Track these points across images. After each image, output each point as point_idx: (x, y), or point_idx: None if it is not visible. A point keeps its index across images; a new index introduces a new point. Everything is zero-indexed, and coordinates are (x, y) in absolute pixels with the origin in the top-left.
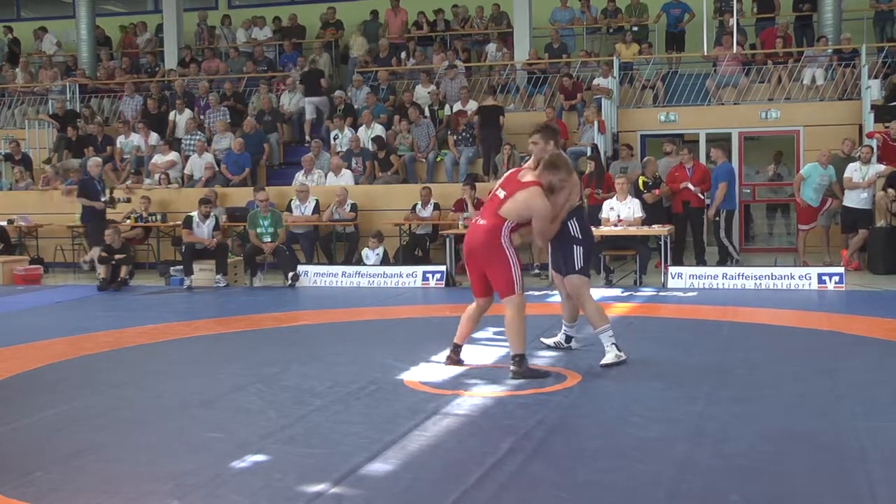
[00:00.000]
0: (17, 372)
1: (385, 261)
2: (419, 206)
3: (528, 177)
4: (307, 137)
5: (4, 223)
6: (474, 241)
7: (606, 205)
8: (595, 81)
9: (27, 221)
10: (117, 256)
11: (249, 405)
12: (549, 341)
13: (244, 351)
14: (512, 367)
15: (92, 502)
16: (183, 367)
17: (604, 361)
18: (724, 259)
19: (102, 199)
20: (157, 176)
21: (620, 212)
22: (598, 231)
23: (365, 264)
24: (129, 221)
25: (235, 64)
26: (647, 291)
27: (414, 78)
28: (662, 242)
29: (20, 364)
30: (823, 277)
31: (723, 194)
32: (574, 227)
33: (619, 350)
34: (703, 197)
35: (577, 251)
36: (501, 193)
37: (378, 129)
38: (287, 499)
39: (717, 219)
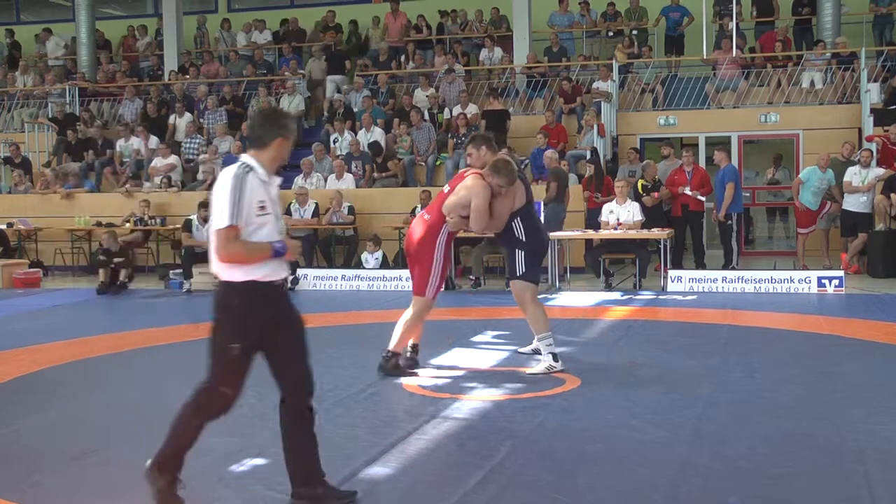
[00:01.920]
0: (17, 375)
1: (384, 264)
2: (418, 210)
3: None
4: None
5: (4, 227)
6: (412, 235)
7: (606, 208)
8: (594, 85)
9: (26, 225)
10: (116, 260)
11: (250, 409)
12: (526, 349)
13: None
14: (380, 362)
15: None
16: (183, 371)
17: (533, 371)
18: (729, 262)
19: None
20: (156, 179)
21: (620, 215)
22: (597, 234)
23: (364, 268)
24: (128, 225)
25: (235, 67)
26: (646, 295)
27: (413, 81)
28: (662, 246)
29: (20, 367)
30: (823, 281)
31: (731, 195)
32: (518, 229)
33: (556, 361)
34: (701, 200)
35: (520, 255)
36: (447, 189)
37: (377, 133)
38: (287, 501)
39: (729, 222)
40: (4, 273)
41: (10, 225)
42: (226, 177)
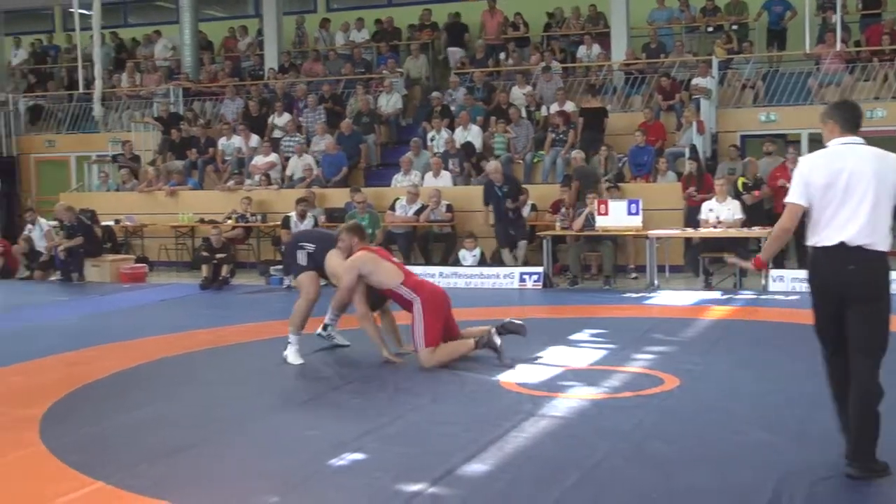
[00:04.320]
0: (122, 368)
1: (482, 262)
2: None
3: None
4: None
5: (111, 223)
6: None
7: (705, 206)
8: (693, 81)
9: (132, 221)
10: (218, 256)
11: (347, 404)
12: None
13: (342, 349)
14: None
15: (193, 497)
16: (282, 366)
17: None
18: None
19: None
20: (257, 177)
21: (720, 213)
22: (696, 233)
23: (462, 265)
24: (230, 221)
25: (334, 66)
26: (747, 294)
27: (510, 79)
28: (763, 245)
29: (126, 360)
30: None
31: None
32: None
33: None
34: None
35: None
36: None
37: (474, 131)
38: (385, 497)
39: None
40: (112, 268)
41: (117, 221)
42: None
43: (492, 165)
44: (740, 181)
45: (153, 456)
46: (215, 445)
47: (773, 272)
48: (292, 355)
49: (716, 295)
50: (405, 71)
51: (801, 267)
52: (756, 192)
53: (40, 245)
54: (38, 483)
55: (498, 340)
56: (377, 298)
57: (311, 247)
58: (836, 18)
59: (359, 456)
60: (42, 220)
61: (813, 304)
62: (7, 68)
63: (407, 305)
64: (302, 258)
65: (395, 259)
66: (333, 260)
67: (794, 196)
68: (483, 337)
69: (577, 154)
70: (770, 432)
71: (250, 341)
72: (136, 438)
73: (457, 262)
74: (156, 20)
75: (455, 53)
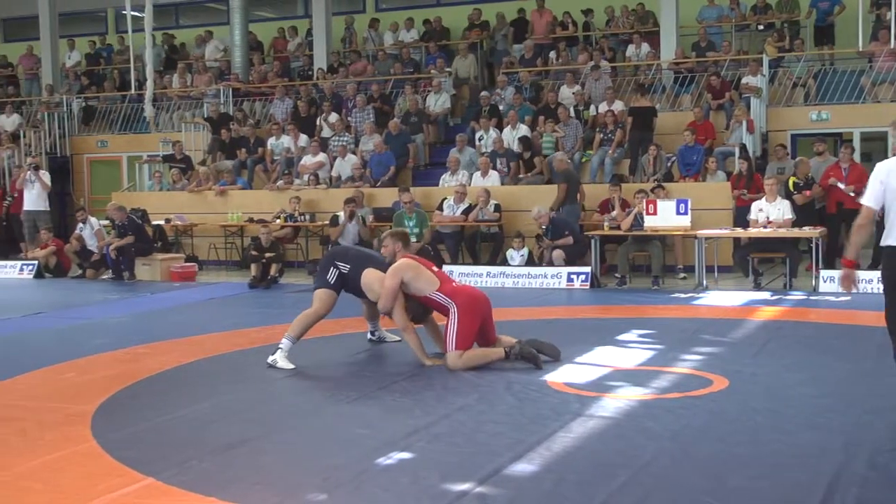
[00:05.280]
0: (173, 365)
1: (529, 261)
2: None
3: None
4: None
5: (162, 222)
6: None
7: (755, 206)
8: (744, 80)
9: (183, 221)
10: (267, 255)
11: (395, 403)
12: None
13: (389, 349)
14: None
15: (243, 492)
16: (330, 364)
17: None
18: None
19: None
20: (305, 176)
21: (769, 213)
22: (745, 233)
23: (510, 265)
24: (278, 221)
25: (382, 66)
26: (797, 295)
27: (559, 78)
28: (814, 245)
29: (177, 357)
30: None
31: None
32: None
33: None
34: (854, 196)
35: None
36: None
37: (523, 130)
38: (432, 496)
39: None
40: (162, 267)
41: (167, 221)
42: None
43: (535, 211)
44: (791, 181)
45: (203, 452)
46: (264, 442)
47: (824, 272)
48: (282, 360)
49: (765, 295)
50: (454, 70)
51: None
52: (807, 192)
53: (91, 244)
54: (90, 478)
55: (531, 350)
56: (420, 311)
57: (345, 267)
58: (892, 15)
59: (406, 455)
60: (93, 220)
61: (885, 302)
62: (62, 70)
63: (444, 311)
64: (332, 276)
65: (434, 268)
66: (371, 275)
67: (869, 198)
68: (514, 347)
69: (562, 156)
70: (820, 434)
71: (301, 340)
72: (187, 435)
73: (504, 262)
74: (206, 21)
75: (519, 50)
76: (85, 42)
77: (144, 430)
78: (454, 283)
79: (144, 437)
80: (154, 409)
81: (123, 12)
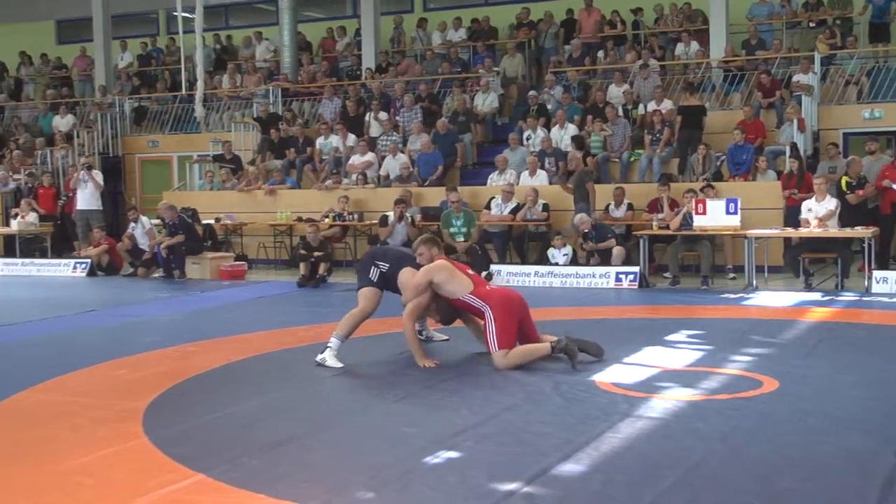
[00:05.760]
0: (222, 363)
1: (573, 261)
2: (612, 207)
3: None
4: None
5: (212, 221)
6: None
7: (805, 205)
8: (795, 78)
9: (232, 220)
10: (316, 254)
11: (442, 402)
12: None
13: (436, 348)
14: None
15: (291, 489)
16: (377, 363)
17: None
18: None
19: None
20: (354, 176)
21: (819, 212)
22: (796, 233)
23: (551, 264)
24: (327, 220)
25: (431, 66)
26: (848, 296)
27: (607, 77)
28: (866, 245)
29: (226, 355)
30: None
31: None
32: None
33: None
34: None
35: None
36: None
37: (571, 130)
38: (479, 496)
39: None
40: (212, 265)
41: (217, 220)
42: None
43: (577, 219)
44: (844, 180)
45: (252, 450)
46: (312, 440)
47: (877, 273)
48: (330, 359)
49: (816, 296)
50: (501, 70)
51: None
52: (860, 192)
53: (143, 243)
54: (141, 474)
55: (574, 347)
56: (448, 312)
57: (385, 266)
58: None
59: (454, 454)
60: (144, 219)
61: None
62: (114, 71)
63: (479, 314)
64: (374, 274)
65: (470, 271)
66: (407, 273)
67: None
68: (561, 341)
69: (573, 154)
70: (872, 438)
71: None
72: (237, 432)
73: (546, 261)
74: (256, 22)
75: (567, 50)
76: (137, 43)
77: (194, 426)
78: (485, 287)
79: (194, 434)
80: (204, 406)
81: (175, 14)
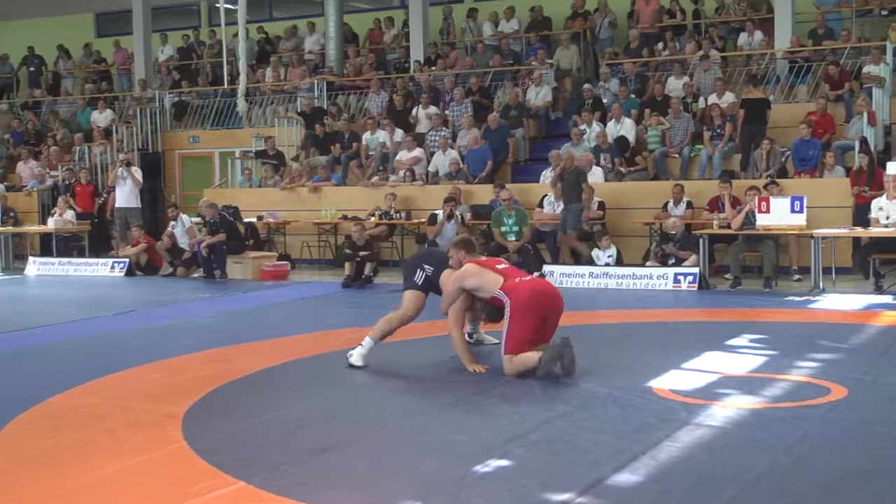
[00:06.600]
0: (265, 366)
1: (619, 262)
2: (671, 205)
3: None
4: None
5: (254, 220)
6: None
7: (875, 204)
8: (865, 69)
9: (275, 218)
10: (362, 253)
11: (492, 408)
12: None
13: (487, 352)
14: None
15: (336, 499)
16: (426, 367)
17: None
18: None
19: None
20: (401, 172)
21: (890, 212)
22: (865, 232)
23: (595, 265)
24: (373, 218)
25: (481, 58)
26: None
27: (666, 69)
28: None
29: (268, 358)
30: None
31: None
32: None
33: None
34: None
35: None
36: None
37: (628, 124)
38: None
39: None
40: (254, 265)
41: (259, 218)
42: None
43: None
44: None
45: (295, 456)
46: (359, 446)
47: None
48: (357, 356)
49: (887, 299)
50: (555, 62)
51: None
52: None
53: (183, 241)
54: (180, 481)
55: (556, 368)
56: (492, 311)
57: (429, 269)
58: None
59: (505, 462)
60: (184, 217)
61: None
62: (154, 65)
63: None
64: (419, 277)
65: (500, 265)
66: (445, 275)
67: None
68: (547, 351)
69: (568, 149)
70: None
71: (393, 342)
72: (279, 438)
73: (591, 262)
74: (299, 14)
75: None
76: (178, 36)
77: (236, 432)
78: (517, 280)
79: (236, 440)
80: (244, 411)
81: (217, 5)
